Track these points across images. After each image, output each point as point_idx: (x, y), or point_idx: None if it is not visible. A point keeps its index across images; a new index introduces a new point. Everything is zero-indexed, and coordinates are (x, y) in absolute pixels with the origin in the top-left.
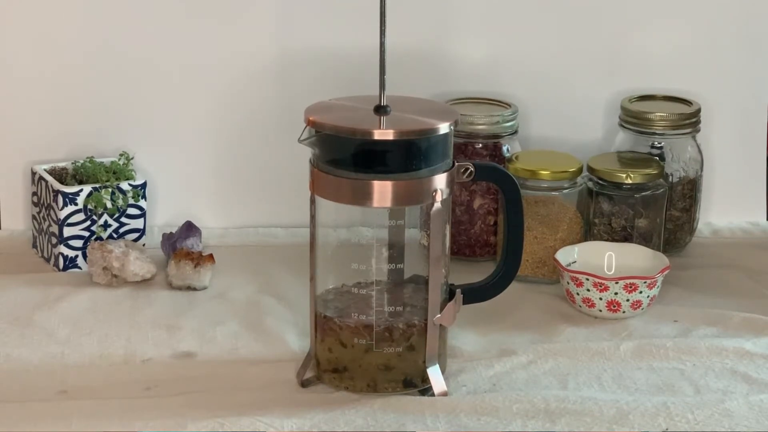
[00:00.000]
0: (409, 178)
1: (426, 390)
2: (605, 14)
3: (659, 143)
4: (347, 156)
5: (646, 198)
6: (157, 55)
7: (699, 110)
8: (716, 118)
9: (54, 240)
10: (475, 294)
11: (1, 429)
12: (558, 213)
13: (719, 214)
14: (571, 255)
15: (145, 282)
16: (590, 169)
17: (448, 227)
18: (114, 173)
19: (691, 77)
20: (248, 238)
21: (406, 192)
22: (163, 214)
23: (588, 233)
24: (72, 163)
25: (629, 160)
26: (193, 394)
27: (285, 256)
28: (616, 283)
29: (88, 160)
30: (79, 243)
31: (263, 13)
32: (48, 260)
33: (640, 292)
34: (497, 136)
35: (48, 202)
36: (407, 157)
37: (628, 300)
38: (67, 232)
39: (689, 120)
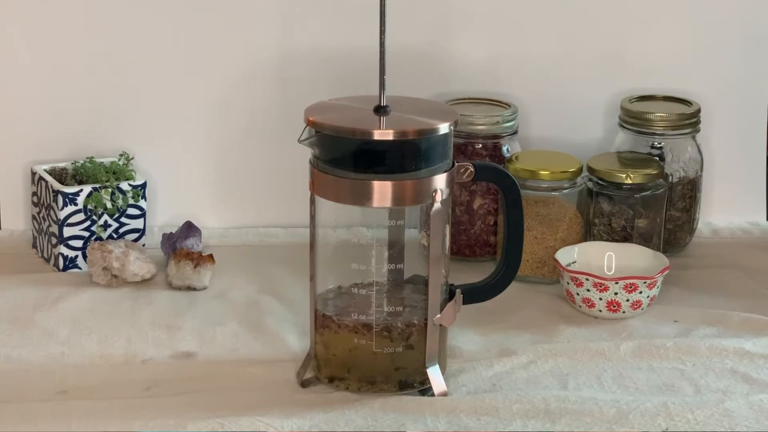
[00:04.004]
0: (409, 178)
1: (426, 390)
2: (605, 14)
3: (659, 143)
4: (347, 156)
5: (646, 198)
6: (158, 55)
7: (699, 110)
8: (716, 118)
9: (54, 240)
10: (475, 294)
11: (1, 429)
12: (558, 213)
13: (719, 214)
14: (571, 255)
15: (145, 282)
16: (590, 169)
17: (448, 227)
18: (114, 173)
19: (691, 77)
20: (248, 238)
21: (405, 192)
22: (163, 214)
23: (588, 233)
24: (72, 164)
25: (629, 160)
26: (193, 394)
27: (285, 256)
28: (616, 283)
29: (88, 160)
30: (79, 243)
31: (264, 14)
32: (48, 260)
33: (640, 293)
34: (497, 136)
35: (48, 202)
36: (407, 157)
37: (628, 300)
38: (67, 232)
39: (689, 120)
